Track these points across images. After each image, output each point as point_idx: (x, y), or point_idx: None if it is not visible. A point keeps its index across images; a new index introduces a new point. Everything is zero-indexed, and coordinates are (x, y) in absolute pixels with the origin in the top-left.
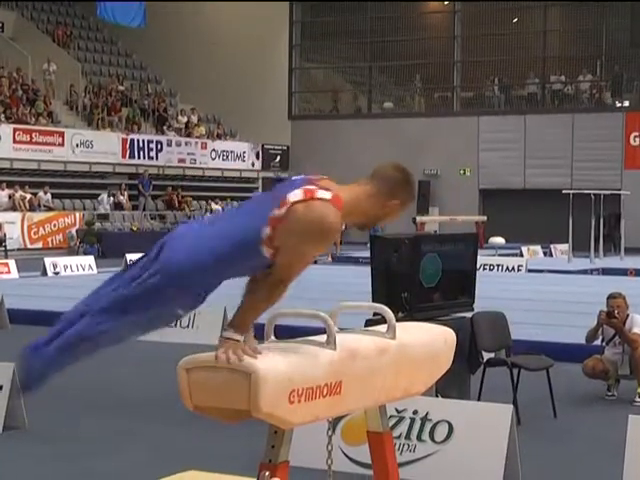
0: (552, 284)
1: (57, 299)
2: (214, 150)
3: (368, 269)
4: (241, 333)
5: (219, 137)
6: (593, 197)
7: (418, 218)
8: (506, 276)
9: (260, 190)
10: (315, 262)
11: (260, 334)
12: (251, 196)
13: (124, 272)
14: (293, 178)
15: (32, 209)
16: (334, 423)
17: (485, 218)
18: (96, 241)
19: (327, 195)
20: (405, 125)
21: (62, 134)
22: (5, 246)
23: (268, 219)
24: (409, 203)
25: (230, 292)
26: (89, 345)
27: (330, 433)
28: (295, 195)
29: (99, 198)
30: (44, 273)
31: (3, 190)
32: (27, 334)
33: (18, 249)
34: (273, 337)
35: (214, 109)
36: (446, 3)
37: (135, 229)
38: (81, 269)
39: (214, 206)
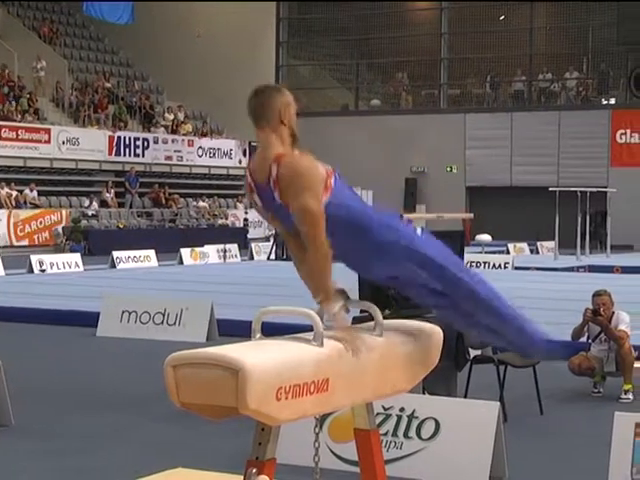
0: (538, 281)
1: (43, 297)
2: (201, 147)
3: None
4: (329, 298)
5: (206, 134)
6: (579, 194)
7: (405, 215)
8: (492, 273)
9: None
10: None
11: (247, 331)
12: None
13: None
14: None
15: (18, 206)
16: (321, 420)
17: (472, 215)
18: (82, 238)
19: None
20: (392, 122)
21: (48, 131)
22: None
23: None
24: (284, 100)
25: (216, 289)
26: None
27: (317, 430)
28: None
29: (85, 204)
30: (30, 270)
31: None
32: (13, 332)
33: (4, 246)
34: (260, 334)
35: (201, 106)
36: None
37: (122, 226)
38: (67, 267)
39: (201, 204)
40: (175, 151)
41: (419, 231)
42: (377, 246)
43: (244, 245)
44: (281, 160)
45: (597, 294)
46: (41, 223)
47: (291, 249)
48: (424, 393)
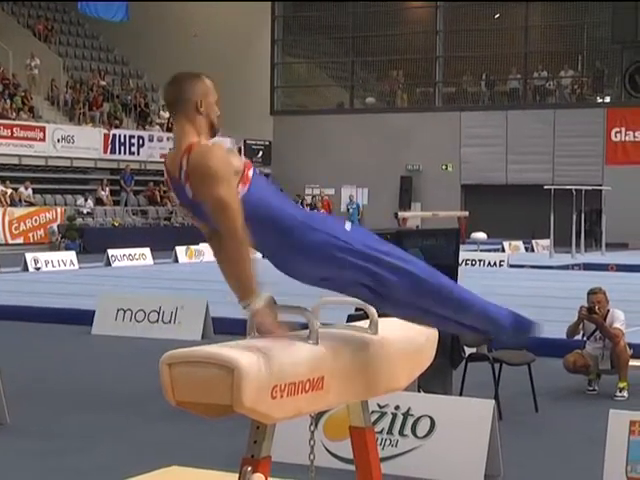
0: (533, 279)
1: (38, 295)
2: None
3: None
4: (252, 297)
5: None
6: (574, 192)
7: (400, 213)
8: (488, 271)
9: None
10: None
11: (243, 329)
12: None
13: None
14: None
15: (13, 204)
16: (316, 418)
17: (467, 213)
18: (78, 236)
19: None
20: (387, 120)
21: (43, 129)
22: None
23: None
24: (198, 87)
25: (211, 287)
26: None
27: (312, 428)
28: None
29: (78, 202)
30: (25, 269)
31: None
32: (7, 330)
33: None
34: (256, 333)
35: None
36: None
37: (117, 224)
38: (62, 265)
39: None
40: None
41: (348, 226)
42: (302, 247)
43: None
44: (191, 150)
45: (592, 292)
46: (36, 221)
47: (214, 251)
48: (419, 391)
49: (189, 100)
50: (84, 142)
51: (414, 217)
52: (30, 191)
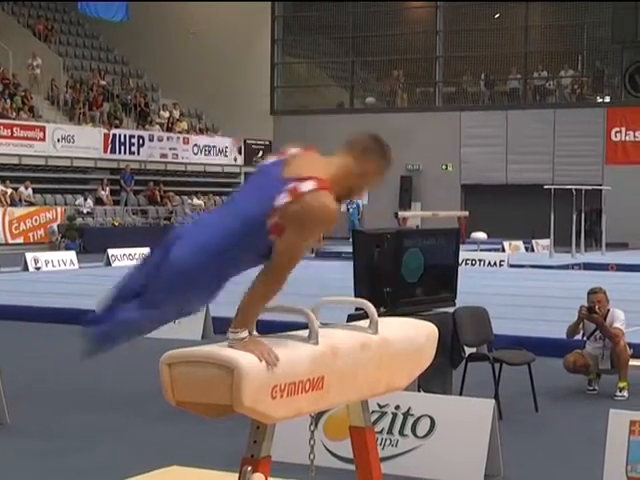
0: (533, 279)
1: (38, 295)
2: (196, 145)
3: (350, 264)
4: (245, 329)
5: (201, 132)
6: (574, 192)
7: (400, 213)
8: (488, 271)
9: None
10: None
11: None
12: (244, 182)
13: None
14: (278, 160)
15: (13, 204)
16: (316, 418)
17: (467, 213)
18: (78, 236)
19: (324, 183)
20: (387, 120)
21: (43, 129)
22: None
23: (273, 207)
24: (385, 165)
25: None
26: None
27: (312, 428)
28: (306, 186)
29: (77, 202)
30: (25, 268)
31: None
32: (7, 330)
33: None
34: (255, 332)
35: (196, 104)
36: None
37: (117, 224)
38: (62, 264)
39: (196, 201)
40: (170, 149)
41: None
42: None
43: None
44: (319, 186)
45: (592, 292)
46: (36, 221)
47: None
48: (419, 391)
49: (359, 165)
50: (84, 142)
51: (414, 217)
52: (30, 191)
